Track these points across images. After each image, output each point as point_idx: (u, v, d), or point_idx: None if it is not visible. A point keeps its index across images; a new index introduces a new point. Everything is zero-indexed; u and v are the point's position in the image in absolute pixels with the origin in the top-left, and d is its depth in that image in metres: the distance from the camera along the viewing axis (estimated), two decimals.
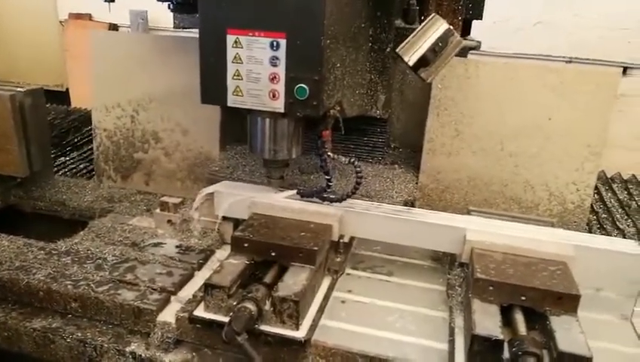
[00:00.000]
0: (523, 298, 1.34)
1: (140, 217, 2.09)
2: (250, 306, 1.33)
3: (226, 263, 1.49)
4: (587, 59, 4.80)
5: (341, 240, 1.70)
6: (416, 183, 2.12)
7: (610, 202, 2.58)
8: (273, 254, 1.51)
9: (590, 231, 2.27)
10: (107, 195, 2.29)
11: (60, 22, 6.36)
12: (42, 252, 1.75)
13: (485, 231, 1.57)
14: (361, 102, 2.02)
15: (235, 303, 1.36)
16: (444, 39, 1.62)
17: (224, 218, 1.86)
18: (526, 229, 1.60)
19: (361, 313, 1.52)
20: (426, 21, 1.65)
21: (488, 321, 1.27)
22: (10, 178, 2.28)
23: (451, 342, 1.36)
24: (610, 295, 1.54)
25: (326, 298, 1.55)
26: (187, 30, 2.38)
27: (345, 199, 1.72)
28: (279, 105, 1.58)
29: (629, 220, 2.40)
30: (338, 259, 1.70)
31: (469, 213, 1.81)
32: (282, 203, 1.71)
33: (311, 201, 1.73)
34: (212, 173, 2.09)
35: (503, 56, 4.82)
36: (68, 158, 2.91)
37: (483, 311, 1.32)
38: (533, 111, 1.96)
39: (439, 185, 2.11)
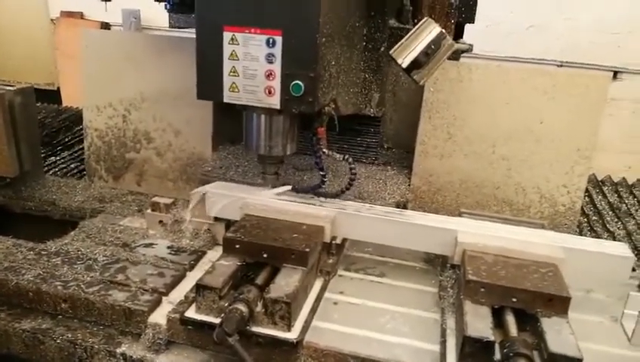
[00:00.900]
0: (514, 299, 1.35)
1: (131, 218, 2.08)
2: (242, 307, 1.32)
3: (217, 264, 1.49)
4: (578, 63, 4.85)
5: (333, 242, 1.70)
6: (409, 185, 2.12)
7: (601, 205, 2.60)
8: (265, 255, 1.51)
9: (581, 234, 2.29)
10: (98, 195, 2.28)
11: (52, 20, 6.31)
12: (32, 252, 1.74)
13: (477, 234, 1.58)
14: (355, 100, 2.03)
15: (226, 304, 1.35)
16: (436, 42, 1.63)
17: (216, 219, 1.85)
18: (517, 231, 1.61)
19: (353, 314, 1.52)
20: (419, 24, 1.66)
21: (480, 323, 1.28)
22: None
23: (443, 344, 1.36)
24: (601, 296, 1.56)
25: (318, 299, 1.55)
26: (181, 30, 2.38)
27: (339, 195, 1.73)
28: (275, 102, 1.59)
29: (619, 223, 2.43)
30: (330, 261, 1.70)
31: (460, 215, 1.82)
32: (274, 204, 1.71)
33: (303, 203, 1.73)
34: (204, 173, 2.08)
35: (495, 59, 4.86)
36: (58, 158, 2.89)
37: (474, 312, 1.32)
38: (524, 115, 1.98)
39: (431, 187, 2.12)
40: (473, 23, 2.36)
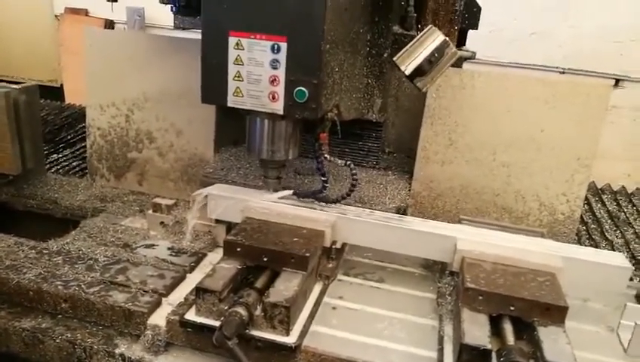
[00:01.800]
0: (512, 308, 1.36)
1: (132, 218, 2.09)
2: (242, 311, 1.33)
3: (218, 267, 1.50)
4: (580, 70, 4.86)
5: (333, 246, 1.70)
6: (409, 190, 2.13)
7: (600, 213, 2.61)
8: (265, 259, 1.52)
9: (579, 242, 2.30)
10: (100, 194, 2.28)
11: (56, 16, 6.32)
12: (33, 251, 1.74)
13: (476, 241, 1.59)
14: (357, 105, 2.04)
15: (226, 308, 1.36)
16: (440, 50, 1.64)
17: (217, 221, 1.86)
18: (516, 240, 1.62)
19: (352, 320, 1.53)
20: (423, 32, 1.67)
21: (477, 330, 1.29)
22: (1, 175, 2.26)
23: (440, 351, 1.37)
24: (597, 306, 1.57)
25: (317, 304, 1.56)
26: (185, 30, 2.39)
27: (341, 200, 1.74)
28: (278, 107, 1.60)
29: (618, 231, 2.44)
30: (330, 265, 1.70)
31: (460, 221, 1.83)
32: (275, 208, 1.72)
33: (304, 207, 1.74)
34: (206, 174, 2.09)
35: (498, 65, 4.87)
36: (60, 156, 2.90)
37: (472, 320, 1.33)
38: (525, 123, 1.99)
39: (432, 193, 2.13)
40: (477, 29, 2.36)
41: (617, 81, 4.81)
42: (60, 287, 1.55)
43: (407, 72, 1.65)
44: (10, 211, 2.24)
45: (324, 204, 1.77)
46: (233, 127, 2.38)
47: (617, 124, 4.79)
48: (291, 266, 1.50)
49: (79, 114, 3.41)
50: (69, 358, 1.50)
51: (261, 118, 1.71)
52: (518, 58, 4.93)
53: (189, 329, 1.42)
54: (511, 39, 4.94)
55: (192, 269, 1.72)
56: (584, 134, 1.95)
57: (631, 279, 1.57)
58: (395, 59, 1.68)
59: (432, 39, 1.63)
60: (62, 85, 6.29)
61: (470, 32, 2.45)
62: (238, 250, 1.53)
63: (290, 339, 1.36)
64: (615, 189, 2.87)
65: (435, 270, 1.80)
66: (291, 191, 1.79)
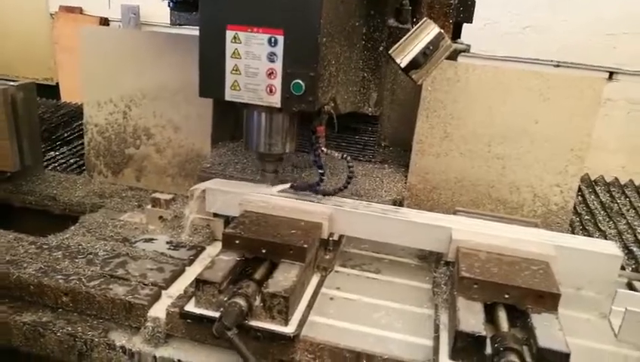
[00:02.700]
0: (506, 296, 1.38)
1: (131, 213, 2.10)
2: (241, 302, 1.35)
3: (217, 259, 1.51)
4: (575, 63, 4.89)
5: (331, 238, 1.73)
6: (405, 183, 2.15)
7: (593, 204, 2.64)
8: (264, 251, 1.54)
9: (573, 232, 2.33)
10: (98, 191, 2.30)
11: (50, 14, 6.30)
12: (33, 246, 1.76)
13: (471, 231, 1.61)
14: (354, 99, 2.06)
15: (225, 299, 1.38)
16: (435, 43, 1.66)
17: (215, 215, 1.88)
18: (510, 230, 1.65)
19: (349, 309, 1.55)
20: (418, 25, 1.69)
21: (472, 318, 1.31)
22: None
23: (436, 339, 1.39)
24: (590, 294, 1.59)
25: (315, 294, 1.57)
26: (181, 27, 2.40)
27: (337, 192, 1.76)
28: (275, 100, 1.61)
29: (611, 222, 2.47)
30: (327, 257, 1.73)
31: (455, 213, 1.85)
32: (273, 201, 1.74)
33: (301, 200, 1.76)
34: (203, 169, 2.11)
35: (492, 59, 4.89)
36: (58, 153, 2.91)
37: (467, 308, 1.35)
38: (520, 115, 2.01)
39: (427, 185, 2.15)
40: (471, 22, 2.39)
41: (611, 74, 4.85)
42: (60, 281, 1.57)
43: (403, 65, 1.67)
44: (8, 208, 2.25)
45: (321, 196, 1.79)
46: (230, 122, 2.40)
47: (611, 116, 4.83)
48: (289, 258, 1.51)
49: (75, 112, 3.41)
50: (69, 351, 1.52)
51: (258, 111, 1.73)
52: (512, 52, 4.96)
53: (189, 321, 1.43)
54: (505, 33, 4.97)
55: (190, 262, 1.74)
56: (577, 126, 1.98)
57: (623, 268, 1.60)
58: (390, 52, 1.70)
59: (427, 32, 1.65)
60: (57, 84, 6.28)
61: (465, 26, 2.47)
62: (237, 242, 1.55)
63: (289, 329, 1.38)
64: (608, 181, 2.91)
65: (430, 261, 1.83)
66: (289, 185, 1.81)
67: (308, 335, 1.40)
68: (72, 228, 1.93)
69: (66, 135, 3.16)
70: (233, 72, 1.62)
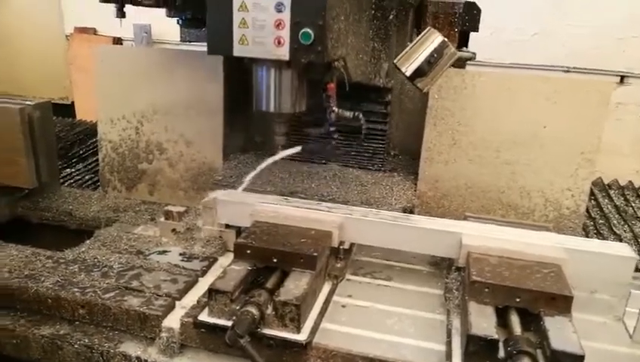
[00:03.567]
0: (518, 299, 1.38)
1: (144, 226, 2.14)
2: (253, 310, 1.36)
3: (229, 269, 1.53)
4: (585, 68, 4.86)
5: (341, 247, 1.74)
6: (415, 191, 2.16)
7: (607, 208, 2.61)
8: (275, 260, 1.55)
9: (587, 237, 2.30)
10: (112, 205, 2.34)
11: (66, 36, 6.46)
12: (50, 260, 1.79)
13: (481, 236, 1.61)
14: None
15: (238, 307, 1.40)
16: (439, 51, 1.68)
17: (227, 226, 1.90)
18: (521, 233, 1.64)
19: (361, 316, 1.55)
20: (422, 34, 1.72)
21: (484, 322, 1.31)
22: (17, 189, 2.32)
23: (448, 344, 1.39)
24: (605, 297, 1.58)
25: (327, 302, 1.58)
26: (191, 43, 2.46)
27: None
28: (284, 53, 1.59)
29: (626, 225, 2.44)
30: (338, 265, 1.74)
31: (465, 219, 1.85)
32: (283, 211, 1.76)
33: (311, 209, 1.78)
34: (215, 182, 2.14)
35: (501, 67, 4.89)
36: (73, 170, 2.97)
37: (479, 312, 1.35)
38: (528, 120, 2.01)
39: (437, 193, 2.15)
40: (477, 31, 2.40)
41: (622, 78, 4.82)
42: (77, 294, 1.60)
43: (408, 74, 1.70)
44: (26, 224, 2.30)
45: (331, 205, 1.80)
46: (240, 135, 2.44)
47: (624, 120, 4.78)
48: (300, 266, 1.53)
49: (90, 130, 3.48)
50: None
51: (267, 67, 1.70)
52: (521, 59, 4.95)
53: (203, 330, 1.45)
54: (512, 40, 4.97)
55: (203, 273, 1.76)
56: (586, 129, 1.97)
57: (637, 269, 1.58)
58: (395, 61, 1.73)
59: (431, 40, 1.68)
60: (73, 103, 6.41)
61: (472, 34, 2.49)
62: (248, 252, 1.57)
63: (302, 337, 1.39)
64: (622, 185, 2.87)
65: (442, 267, 1.83)
66: (299, 148, 1.80)
67: (320, 342, 1.41)
68: (88, 242, 1.97)
69: (81, 152, 3.23)
70: (241, 25, 1.59)
